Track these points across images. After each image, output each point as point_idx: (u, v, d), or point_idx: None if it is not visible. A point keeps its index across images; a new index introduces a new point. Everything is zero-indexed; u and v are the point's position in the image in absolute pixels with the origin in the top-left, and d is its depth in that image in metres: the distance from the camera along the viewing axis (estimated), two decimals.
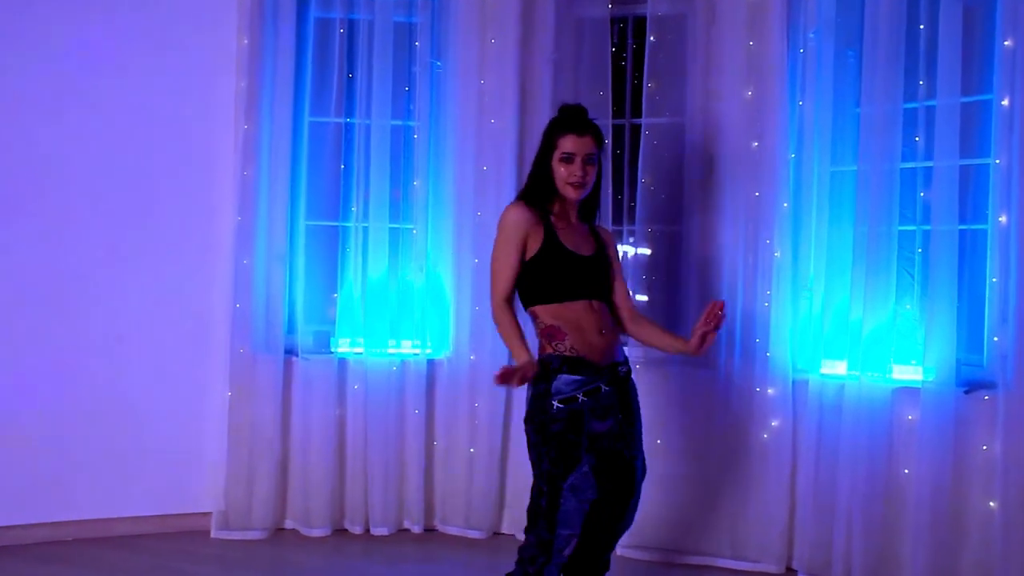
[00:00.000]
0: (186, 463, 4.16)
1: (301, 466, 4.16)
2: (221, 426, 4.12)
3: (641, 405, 2.97)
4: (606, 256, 2.98)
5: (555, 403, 2.74)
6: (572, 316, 2.81)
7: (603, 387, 2.79)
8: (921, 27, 3.53)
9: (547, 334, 2.82)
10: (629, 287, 3.22)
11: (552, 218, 2.89)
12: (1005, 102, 3.34)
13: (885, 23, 3.54)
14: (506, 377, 2.67)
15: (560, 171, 2.86)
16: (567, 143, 2.85)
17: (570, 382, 2.75)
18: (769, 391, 3.78)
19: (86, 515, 4.04)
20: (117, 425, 4.05)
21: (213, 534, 4.10)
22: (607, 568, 2.90)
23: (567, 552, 2.75)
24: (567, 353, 2.77)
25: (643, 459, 2.93)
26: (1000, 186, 3.38)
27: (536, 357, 2.80)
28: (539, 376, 2.76)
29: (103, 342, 4.04)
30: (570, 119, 2.89)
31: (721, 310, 2.76)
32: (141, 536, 4.07)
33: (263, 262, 4.11)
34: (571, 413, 2.74)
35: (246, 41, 4.07)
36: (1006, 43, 3.34)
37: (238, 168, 4.08)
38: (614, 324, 2.93)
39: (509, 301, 2.86)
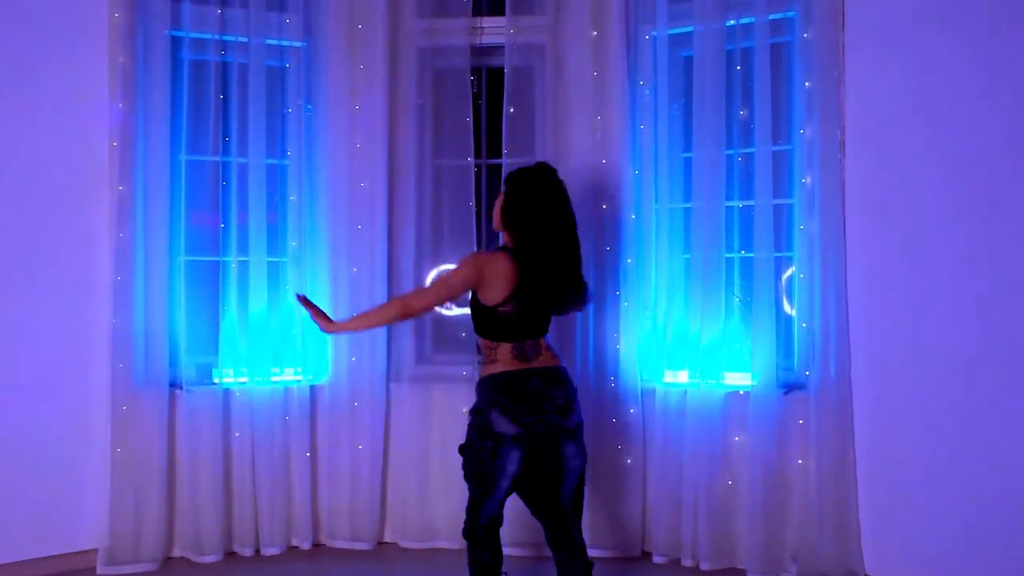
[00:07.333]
0: (68, 501, 4.11)
1: (189, 495, 4.24)
2: (104, 462, 4.12)
3: None
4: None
5: None
6: None
7: None
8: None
9: None
10: None
11: None
12: (807, 180, 4.07)
13: (710, 82, 4.18)
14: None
15: None
16: None
17: None
18: (620, 400, 4.32)
19: None
20: None
21: (99, 571, 4.09)
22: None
23: None
24: None
25: None
26: (806, 225, 4.09)
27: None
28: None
29: None
30: None
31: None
32: None
33: (142, 297, 4.17)
34: None
35: (120, 59, 4.11)
36: (801, 131, 4.09)
37: (115, 209, 4.11)
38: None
39: None
